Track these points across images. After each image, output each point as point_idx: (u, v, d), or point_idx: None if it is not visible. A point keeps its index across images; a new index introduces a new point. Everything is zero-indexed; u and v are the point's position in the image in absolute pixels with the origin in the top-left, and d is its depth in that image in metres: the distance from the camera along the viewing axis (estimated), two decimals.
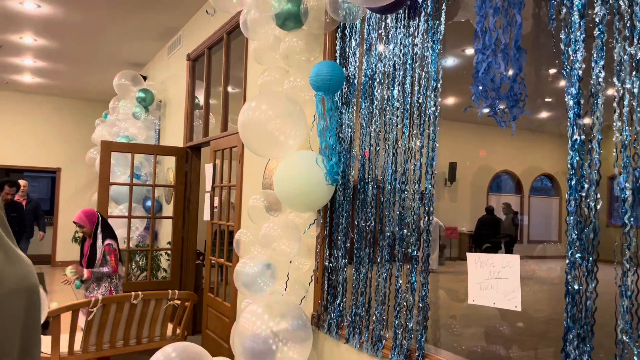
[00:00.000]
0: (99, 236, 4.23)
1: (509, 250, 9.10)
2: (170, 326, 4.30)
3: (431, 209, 2.32)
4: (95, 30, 6.65)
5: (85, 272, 4.08)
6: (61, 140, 11.28)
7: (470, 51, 3.21)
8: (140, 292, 3.88)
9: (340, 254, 2.95)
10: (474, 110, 1.89)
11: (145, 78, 7.58)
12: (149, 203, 6.77)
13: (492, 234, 9.52)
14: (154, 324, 4.10)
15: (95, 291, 4.16)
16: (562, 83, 1.74)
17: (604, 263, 1.66)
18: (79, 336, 3.78)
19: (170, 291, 4.07)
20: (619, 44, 1.58)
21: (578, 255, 1.65)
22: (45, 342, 3.76)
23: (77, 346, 3.75)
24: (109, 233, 4.33)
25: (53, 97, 11.23)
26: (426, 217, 2.34)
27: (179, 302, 4.15)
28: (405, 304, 2.42)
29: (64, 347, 3.68)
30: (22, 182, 8.42)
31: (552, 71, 2.78)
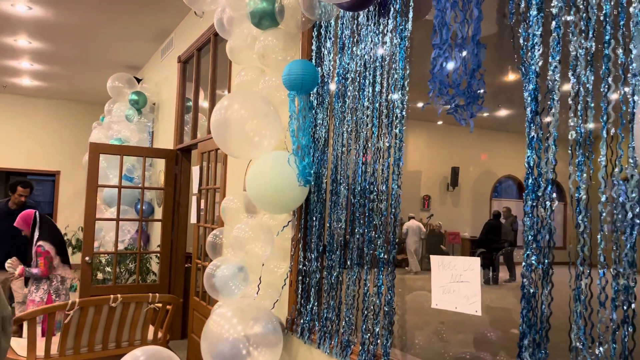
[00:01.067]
0: (35, 236, 4.23)
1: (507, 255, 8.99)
2: (151, 330, 4.25)
3: (397, 210, 2.26)
4: (89, 33, 6.64)
5: (19, 269, 4.10)
6: (61, 143, 11.31)
7: None
8: (119, 295, 3.84)
9: (313, 256, 2.89)
10: (433, 107, 1.83)
11: (140, 80, 7.57)
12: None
13: (498, 239, 9.46)
14: (134, 327, 4.04)
15: (33, 294, 4.17)
16: (566, 87, 1.64)
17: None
18: (56, 339, 3.73)
19: (150, 294, 4.02)
20: (575, 38, 1.52)
21: (534, 257, 1.58)
22: (22, 345, 3.72)
23: (54, 349, 3.69)
24: (46, 234, 4.30)
25: (52, 100, 11.26)
26: (392, 219, 2.28)
27: (159, 305, 4.10)
28: (372, 308, 2.35)
29: (40, 351, 3.63)
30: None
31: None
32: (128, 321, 3.98)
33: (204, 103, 5.81)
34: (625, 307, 1.34)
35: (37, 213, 4.45)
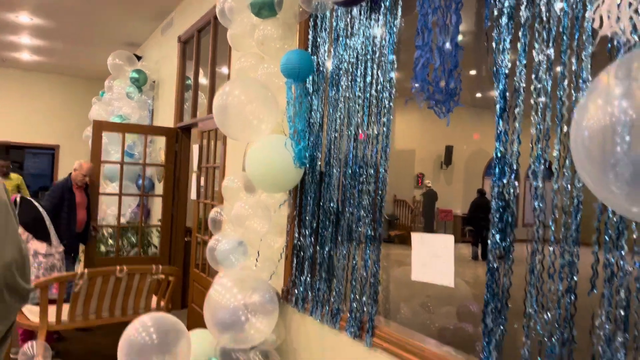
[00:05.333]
0: None
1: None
2: (154, 299, 4.51)
3: (384, 192, 2.50)
4: (90, 9, 6.75)
5: None
6: (60, 117, 11.43)
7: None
8: (124, 266, 4.08)
9: (307, 232, 3.13)
10: (416, 103, 2.05)
11: (140, 58, 7.70)
12: (141, 181, 6.95)
13: (484, 217, 9.73)
14: (139, 296, 4.30)
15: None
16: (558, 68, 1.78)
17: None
18: (66, 306, 3.99)
19: (154, 266, 4.27)
20: (538, 45, 1.73)
21: (498, 236, 1.82)
22: (34, 311, 3.98)
23: (64, 316, 3.95)
24: (20, 217, 4.75)
25: (51, 75, 11.35)
26: (380, 200, 2.51)
27: (162, 276, 4.35)
28: (360, 279, 2.61)
29: (52, 317, 3.89)
30: (85, 164, 5.43)
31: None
32: (133, 290, 4.24)
33: (203, 80, 5.97)
34: (569, 279, 1.59)
35: (17, 197, 4.68)
